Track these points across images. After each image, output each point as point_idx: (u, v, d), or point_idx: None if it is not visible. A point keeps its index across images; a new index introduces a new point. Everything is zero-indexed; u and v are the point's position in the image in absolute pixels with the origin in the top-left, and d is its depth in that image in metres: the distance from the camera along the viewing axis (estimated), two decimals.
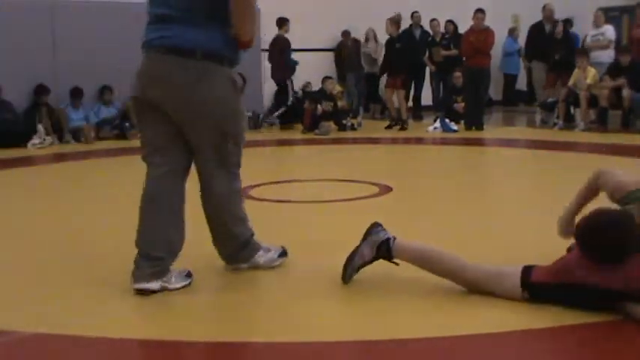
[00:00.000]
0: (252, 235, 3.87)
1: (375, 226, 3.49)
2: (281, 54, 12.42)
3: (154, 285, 3.49)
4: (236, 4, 3.43)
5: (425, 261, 3.38)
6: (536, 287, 3.14)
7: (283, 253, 3.96)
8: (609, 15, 13.72)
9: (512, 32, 15.67)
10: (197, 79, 3.43)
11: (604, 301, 3.02)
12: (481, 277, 3.29)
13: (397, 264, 3.44)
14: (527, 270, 3.19)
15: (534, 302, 3.16)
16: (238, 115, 3.66)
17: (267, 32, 12.39)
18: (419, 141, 10.87)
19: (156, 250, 3.52)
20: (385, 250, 3.40)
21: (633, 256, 3.03)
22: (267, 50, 12.60)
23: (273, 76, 12.66)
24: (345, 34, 13.98)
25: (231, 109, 3.59)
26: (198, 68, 3.42)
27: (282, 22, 12.42)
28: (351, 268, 3.45)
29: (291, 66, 12.68)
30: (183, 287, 3.56)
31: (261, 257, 3.87)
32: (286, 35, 12.47)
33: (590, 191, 3.66)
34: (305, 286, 3.60)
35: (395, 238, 3.43)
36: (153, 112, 3.55)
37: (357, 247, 3.46)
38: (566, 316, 3.04)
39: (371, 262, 3.46)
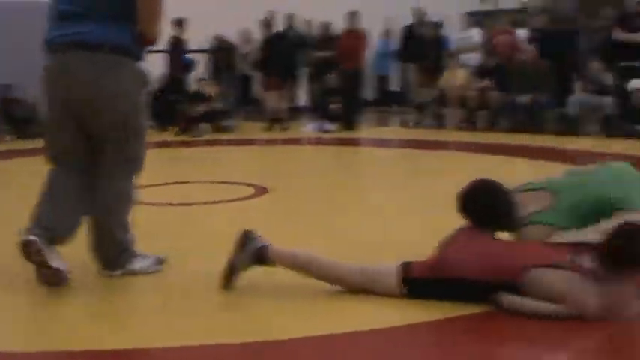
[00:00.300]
0: (133, 242, 3.80)
1: (248, 234, 3.44)
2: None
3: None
4: (143, 3, 3.47)
5: (302, 266, 3.39)
6: (415, 283, 3.23)
7: (160, 261, 3.89)
8: (475, 19, 14.21)
9: (385, 34, 15.98)
10: (104, 72, 3.45)
11: (479, 293, 3.13)
12: (359, 277, 3.34)
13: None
14: (405, 266, 3.27)
15: (412, 297, 3.23)
16: (141, 109, 3.67)
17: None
18: (295, 142, 10.92)
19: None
20: (262, 256, 3.39)
21: (503, 244, 3.24)
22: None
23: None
24: (218, 38, 13.84)
25: (135, 102, 3.61)
26: (107, 61, 3.46)
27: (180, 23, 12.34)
28: (230, 275, 3.41)
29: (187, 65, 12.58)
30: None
31: (137, 264, 3.79)
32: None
33: None
34: (181, 292, 3.55)
35: (271, 245, 3.42)
36: (61, 111, 3.56)
37: (234, 256, 3.42)
38: (443, 309, 3.13)
39: (246, 268, 3.43)
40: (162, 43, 12.57)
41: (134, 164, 3.71)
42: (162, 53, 12.39)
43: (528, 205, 3.43)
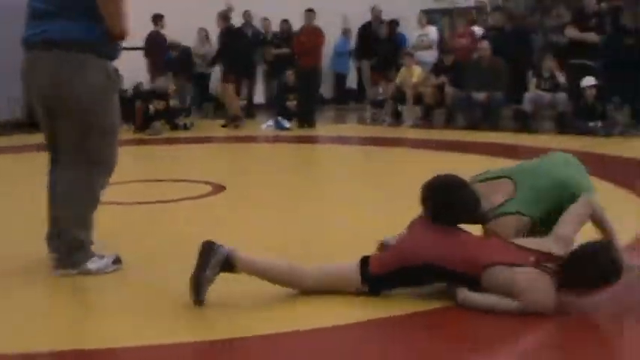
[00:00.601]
0: (92, 243, 3.77)
1: (211, 246, 3.32)
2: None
3: None
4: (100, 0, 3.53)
5: (266, 272, 3.35)
6: (375, 278, 3.24)
7: (117, 260, 3.85)
8: (431, 17, 14.32)
9: (343, 32, 16.01)
10: (69, 69, 3.52)
11: (443, 279, 3.19)
12: (321, 278, 3.33)
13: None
14: (364, 262, 3.28)
15: (374, 293, 3.26)
16: (109, 108, 3.70)
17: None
18: (252, 139, 10.90)
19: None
20: (230, 265, 3.30)
21: (468, 237, 3.26)
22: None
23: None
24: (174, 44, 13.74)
25: (101, 100, 3.64)
26: (72, 59, 3.53)
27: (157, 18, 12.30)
28: (197, 290, 3.26)
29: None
30: None
31: (94, 264, 3.75)
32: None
33: None
34: (140, 292, 3.53)
35: (236, 252, 3.33)
36: (37, 107, 3.71)
37: (199, 271, 3.26)
38: (402, 306, 3.17)
39: (213, 280, 3.32)
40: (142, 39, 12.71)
41: (99, 164, 3.71)
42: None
43: (491, 196, 3.45)
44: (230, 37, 11.94)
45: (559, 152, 3.87)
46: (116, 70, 3.75)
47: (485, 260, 3.11)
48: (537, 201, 3.42)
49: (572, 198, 3.35)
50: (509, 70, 11.01)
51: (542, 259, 3.09)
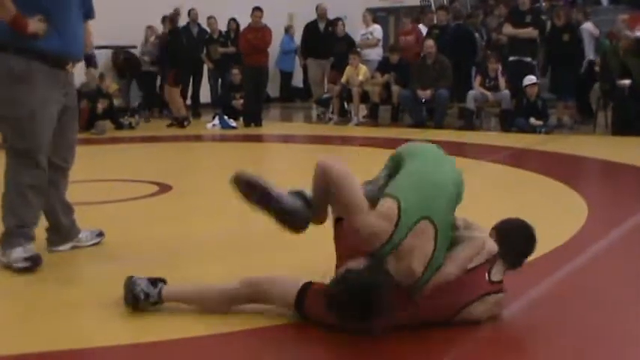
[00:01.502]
0: (16, 234, 3.82)
1: (132, 282, 3.17)
2: None
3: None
4: None
5: (199, 298, 3.19)
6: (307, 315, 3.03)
7: (33, 260, 3.84)
8: (377, 15, 14.42)
9: (288, 30, 16.03)
10: None
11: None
12: (258, 294, 3.12)
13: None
14: (301, 296, 3.01)
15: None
16: (12, 101, 3.74)
17: None
18: (198, 138, 10.85)
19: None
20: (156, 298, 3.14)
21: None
22: None
23: None
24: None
25: (2, 94, 3.73)
26: None
27: None
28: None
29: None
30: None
31: (12, 255, 3.79)
32: None
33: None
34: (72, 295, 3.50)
35: (163, 287, 3.17)
36: None
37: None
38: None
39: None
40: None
41: (17, 155, 3.82)
42: None
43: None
44: (174, 35, 11.85)
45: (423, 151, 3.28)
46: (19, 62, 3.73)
47: (460, 304, 2.99)
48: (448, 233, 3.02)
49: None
50: (453, 68, 11.17)
51: (487, 268, 3.04)
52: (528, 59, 10.99)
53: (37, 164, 3.83)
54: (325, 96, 12.84)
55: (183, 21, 12.80)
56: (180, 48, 11.82)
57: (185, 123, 11.82)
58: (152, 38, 13.36)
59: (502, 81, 10.81)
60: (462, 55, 11.47)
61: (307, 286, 3.03)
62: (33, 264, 3.78)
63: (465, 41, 11.71)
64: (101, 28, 13.45)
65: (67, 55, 3.91)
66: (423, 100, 11.14)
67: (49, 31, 3.73)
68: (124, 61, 13.57)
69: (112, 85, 12.06)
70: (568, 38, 10.76)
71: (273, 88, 15.94)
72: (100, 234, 4.35)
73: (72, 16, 3.86)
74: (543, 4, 14.37)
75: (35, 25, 3.68)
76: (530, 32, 10.96)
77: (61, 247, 4.16)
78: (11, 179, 3.82)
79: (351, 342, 2.86)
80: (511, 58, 11.08)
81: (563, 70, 10.90)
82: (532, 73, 10.63)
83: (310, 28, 13.66)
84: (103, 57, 13.65)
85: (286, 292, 3.06)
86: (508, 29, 11.21)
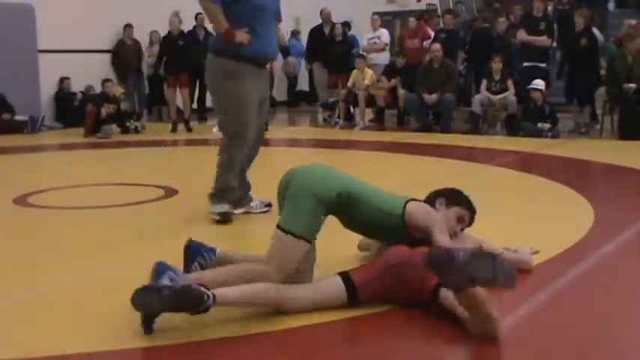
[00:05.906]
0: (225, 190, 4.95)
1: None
2: None
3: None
4: None
5: (251, 298, 3.06)
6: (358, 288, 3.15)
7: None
8: (384, 19, 14.42)
9: (295, 34, 16.03)
10: None
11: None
12: (306, 297, 3.13)
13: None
14: (351, 288, 3.15)
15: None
16: (226, 93, 4.89)
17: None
18: (204, 142, 10.84)
19: None
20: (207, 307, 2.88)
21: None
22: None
23: None
24: (127, 29, 13.57)
25: (218, 88, 4.89)
26: None
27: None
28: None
29: None
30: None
31: None
32: None
33: None
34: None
35: (214, 295, 2.90)
36: None
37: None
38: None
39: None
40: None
41: (230, 137, 5.11)
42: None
43: None
44: (181, 39, 11.84)
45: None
46: None
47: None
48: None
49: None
50: (460, 72, 11.16)
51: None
52: (543, 65, 10.93)
53: (244, 143, 5.00)
54: (331, 100, 12.83)
55: (189, 25, 12.80)
56: (185, 51, 11.78)
57: (187, 127, 11.78)
58: (153, 43, 13.41)
59: (509, 84, 10.77)
60: (468, 59, 11.44)
61: (347, 276, 3.18)
62: (225, 219, 4.94)
63: (486, 41, 11.70)
64: (104, 34, 13.58)
65: (266, 57, 5.09)
66: (429, 104, 11.10)
67: (252, 39, 4.81)
68: (124, 64, 13.50)
69: (117, 89, 12.08)
70: (586, 42, 10.66)
71: (278, 92, 15.95)
72: (269, 204, 5.22)
73: (269, 26, 4.95)
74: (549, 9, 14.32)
75: (241, 35, 4.80)
76: (545, 41, 10.90)
77: (236, 211, 5.16)
78: (224, 154, 5.15)
79: (353, 342, 2.86)
80: (525, 64, 11.03)
81: (580, 74, 10.75)
82: (546, 78, 10.58)
83: (316, 32, 13.65)
84: (105, 61, 13.65)
85: (333, 291, 3.15)
86: (522, 35, 11.13)
